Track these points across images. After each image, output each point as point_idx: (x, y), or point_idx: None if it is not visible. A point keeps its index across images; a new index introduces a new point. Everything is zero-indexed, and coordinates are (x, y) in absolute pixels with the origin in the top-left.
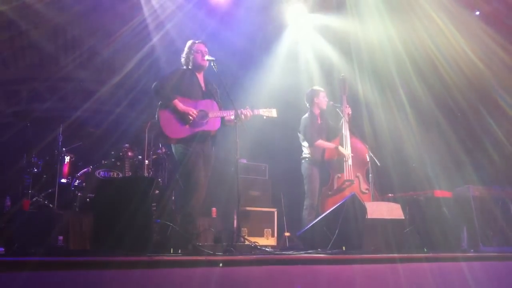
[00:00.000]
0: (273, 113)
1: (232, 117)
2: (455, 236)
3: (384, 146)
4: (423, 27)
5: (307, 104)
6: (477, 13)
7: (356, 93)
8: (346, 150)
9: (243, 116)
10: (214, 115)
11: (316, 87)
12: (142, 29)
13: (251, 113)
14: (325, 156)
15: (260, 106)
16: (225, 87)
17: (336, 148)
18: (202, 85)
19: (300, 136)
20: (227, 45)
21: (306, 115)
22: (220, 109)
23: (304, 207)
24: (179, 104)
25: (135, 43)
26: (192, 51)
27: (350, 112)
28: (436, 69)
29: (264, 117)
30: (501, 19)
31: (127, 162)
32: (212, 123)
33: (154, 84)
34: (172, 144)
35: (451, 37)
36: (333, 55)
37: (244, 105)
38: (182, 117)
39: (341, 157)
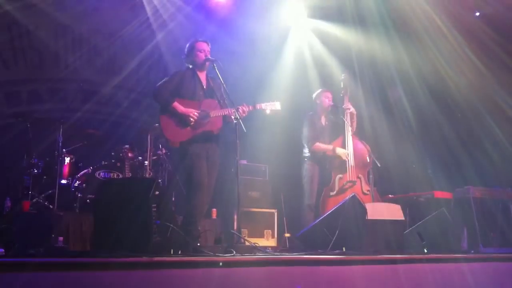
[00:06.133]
0: (277, 106)
1: (233, 116)
2: (455, 237)
3: (384, 146)
4: (423, 28)
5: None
6: (477, 14)
7: (356, 93)
8: (346, 150)
9: (241, 111)
10: (216, 115)
11: (322, 88)
12: (144, 30)
13: (249, 109)
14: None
15: (262, 102)
16: (224, 87)
17: (334, 150)
18: (204, 84)
19: (302, 134)
20: (228, 44)
21: (310, 112)
22: (222, 106)
23: (303, 207)
24: (179, 107)
25: (136, 44)
26: (195, 50)
27: (355, 112)
28: (437, 69)
29: (268, 112)
30: (501, 20)
31: (127, 163)
32: (214, 123)
33: (153, 89)
34: (175, 146)
35: (451, 39)
36: (333, 56)
37: (245, 102)
38: (183, 119)
39: (341, 158)
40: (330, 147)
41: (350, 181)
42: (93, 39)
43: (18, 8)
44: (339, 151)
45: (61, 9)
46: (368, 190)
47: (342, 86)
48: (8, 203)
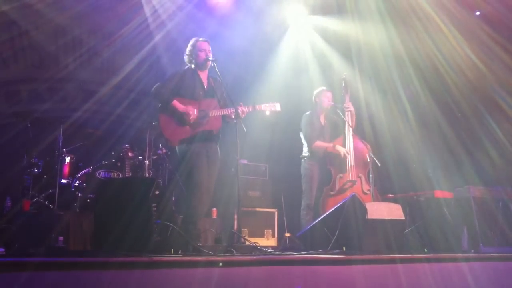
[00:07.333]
0: (277, 107)
1: (233, 116)
2: (455, 237)
3: (384, 146)
4: (423, 28)
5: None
6: (477, 13)
7: (356, 93)
8: (345, 149)
9: (240, 112)
10: (215, 114)
11: (322, 87)
12: (143, 30)
13: (248, 109)
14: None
15: (262, 103)
16: (225, 87)
17: (334, 146)
18: (205, 83)
19: (301, 134)
20: (228, 44)
21: (308, 112)
22: (221, 106)
23: (302, 207)
24: (178, 105)
25: (135, 43)
26: (196, 49)
27: (353, 112)
28: (436, 69)
29: (267, 113)
30: (501, 20)
31: (127, 162)
32: (213, 122)
33: (153, 87)
34: (175, 146)
35: (451, 38)
36: (333, 56)
37: (245, 103)
38: (182, 118)
39: (340, 155)
40: (330, 144)
41: (350, 181)
42: (92, 39)
43: (15, 8)
44: (339, 148)
45: (60, 9)
46: (368, 190)
47: (343, 85)
48: (9, 203)
